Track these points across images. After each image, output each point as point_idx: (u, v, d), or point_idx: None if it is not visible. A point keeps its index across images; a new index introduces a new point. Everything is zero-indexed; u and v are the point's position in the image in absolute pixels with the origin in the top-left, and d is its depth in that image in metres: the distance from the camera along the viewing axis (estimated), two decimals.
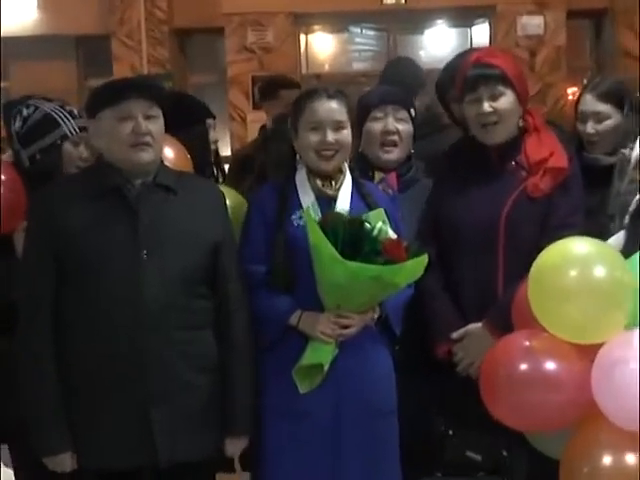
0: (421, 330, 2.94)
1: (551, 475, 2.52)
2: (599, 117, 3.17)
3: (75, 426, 2.55)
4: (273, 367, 2.74)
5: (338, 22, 9.57)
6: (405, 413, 2.82)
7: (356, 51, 9.81)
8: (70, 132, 3.00)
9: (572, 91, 8.99)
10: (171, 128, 2.77)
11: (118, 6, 9.20)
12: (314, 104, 2.79)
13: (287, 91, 5.03)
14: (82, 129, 2.97)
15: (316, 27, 9.67)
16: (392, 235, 2.67)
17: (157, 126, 2.63)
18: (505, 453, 2.87)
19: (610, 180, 2.98)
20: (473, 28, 9.55)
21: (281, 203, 2.78)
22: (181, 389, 2.58)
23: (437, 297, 2.96)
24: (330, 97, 2.79)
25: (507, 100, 2.91)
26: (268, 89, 5.38)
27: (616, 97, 3.16)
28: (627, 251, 2.57)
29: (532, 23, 9.02)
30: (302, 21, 9.37)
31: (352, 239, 2.59)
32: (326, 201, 2.78)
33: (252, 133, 7.50)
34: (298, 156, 2.84)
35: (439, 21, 9.63)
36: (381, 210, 2.75)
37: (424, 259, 2.64)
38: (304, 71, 9.44)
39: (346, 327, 2.69)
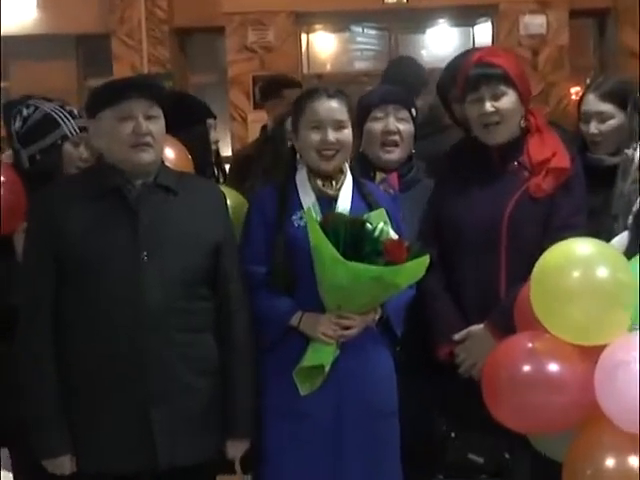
0: (423, 331, 2.94)
1: (554, 477, 2.51)
2: (602, 117, 3.16)
3: (75, 426, 2.55)
4: (274, 368, 2.73)
5: (339, 21, 9.56)
6: (407, 414, 2.81)
7: (358, 50, 9.80)
8: (70, 132, 2.99)
9: (575, 91, 8.97)
10: (172, 128, 2.77)
11: (118, 5, 9.19)
12: (315, 104, 2.78)
13: (290, 90, 5.02)
14: (82, 129, 2.96)
15: (317, 26, 9.66)
16: (393, 236, 2.67)
17: (158, 126, 2.62)
18: (507, 455, 2.86)
19: (613, 180, 2.97)
20: (475, 27, 9.54)
21: (281, 203, 2.77)
22: (181, 391, 2.57)
23: (439, 298, 2.95)
24: (330, 97, 2.79)
25: (509, 100, 2.90)
26: (270, 88, 5.37)
27: (619, 97, 3.15)
28: (630, 252, 2.56)
29: (535, 22, 9.01)
30: (303, 20, 9.35)
31: (353, 240, 2.59)
32: (327, 201, 2.77)
33: (253, 133, 7.49)
34: (298, 156, 2.84)
35: (441, 20, 9.62)
36: (382, 210, 2.74)
37: (425, 260, 2.63)
38: (305, 71, 9.43)
39: (347, 328, 2.68)
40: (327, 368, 2.66)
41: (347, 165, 2.84)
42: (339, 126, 2.77)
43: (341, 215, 2.69)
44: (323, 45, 9.78)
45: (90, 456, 2.57)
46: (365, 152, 3.16)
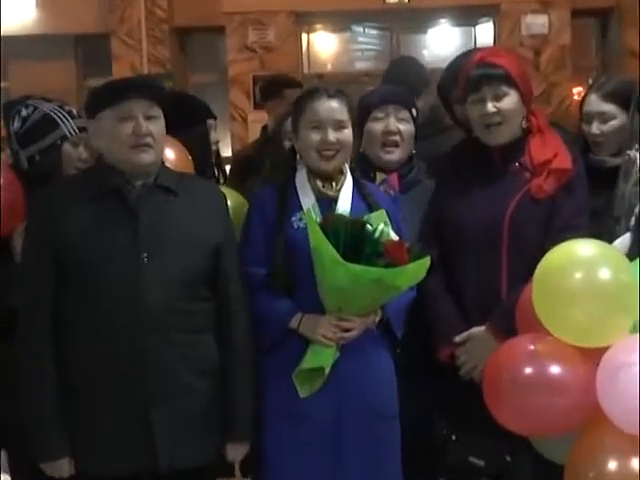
0: (423, 332, 2.93)
1: None
2: (604, 117, 3.15)
3: (75, 427, 2.54)
4: (273, 369, 2.73)
5: (340, 21, 9.56)
6: (407, 417, 2.81)
7: (358, 50, 9.79)
8: (70, 133, 2.99)
9: (578, 91, 8.96)
10: (172, 129, 2.76)
11: (118, 5, 9.18)
12: (315, 103, 2.78)
13: (290, 90, 5.01)
14: (81, 129, 2.95)
15: (318, 26, 9.65)
16: (394, 237, 2.66)
17: (158, 127, 2.61)
18: (508, 458, 2.85)
19: (615, 182, 2.96)
20: (477, 27, 9.53)
21: (281, 204, 2.76)
22: (181, 391, 2.56)
23: (439, 299, 2.94)
24: (331, 96, 2.78)
25: (511, 100, 2.89)
26: (271, 88, 5.35)
27: (621, 97, 3.13)
28: (633, 254, 2.56)
29: (537, 22, 9.00)
30: (304, 20, 9.35)
31: (353, 241, 2.58)
32: (327, 202, 2.76)
33: (253, 133, 7.49)
34: (298, 157, 2.83)
35: (442, 20, 9.61)
36: (383, 211, 2.73)
37: (426, 262, 2.62)
38: (306, 71, 9.42)
39: (347, 330, 2.67)
40: (327, 370, 2.65)
41: (347, 166, 2.83)
42: (339, 126, 2.76)
43: (341, 216, 2.68)
44: (324, 45, 9.77)
45: (90, 457, 2.56)
46: (365, 152, 3.15)
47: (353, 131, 2.81)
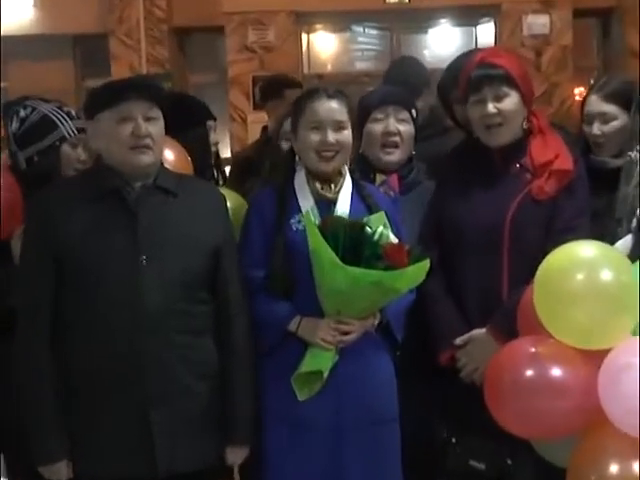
0: (423, 334, 2.92)
1: None
2: (605, 118, 3.14)
3: (74, 428, 2.54)
4: (272, 372, 2.72)
5: (340, 21, 9.55)
6: (407, 420, 2.80)
7: (359, 50, 9.78)
8: (68, 134, 2.98)
9: (579, 91, 8.95)
10: (171, 130, 2.75)
11: (117, 4, 9.17)
12: (314, 104, 2.77)
13: (290, 91, 5.00)
14: (80, 130, 2.95)
15: (318, 26, 9.64)
16: (393, 239, 2.65)
17: (157, 128, 2.61)
18: (509, 461, 2.84)
19: (617, 183, 2.95)
20: (478, 27, 9.52)
21: (280, 206, 2.75)
22: (181, 393, 2.56)
23: (440, 301, 2.93)
24: (330, 97, 2.77)
25: (512, 101, 2.89)
26: (271, 89, 5.34)
27: (623, 98, 3.12)
28: (634, 255, 2.56)
29: (538, 22, 8.98)
30: (304, 20, 9.34)
31: (353, 243, 2.57)
32: (325, 204, 2.75)
33: (253, 134, 7.47)
34: (297, 158, 2.81)
35: (443, 20, 9.60)
36: (382, 213, 2.72)
37: (426, 264, 2.61)
38: (306, 71, 9.41)
39: (346, 333, 2.66)
40: (325, 374, 2.64)
41: (346, 167, 2.82)
42: (339, 127, 2.75)
43: (340, 218, 2.67)
44: (324, 45, 9.76)
45: (89, 458, 2.55)
46: (365, 153, 3.15)
47: (353, 132, 2.80)
